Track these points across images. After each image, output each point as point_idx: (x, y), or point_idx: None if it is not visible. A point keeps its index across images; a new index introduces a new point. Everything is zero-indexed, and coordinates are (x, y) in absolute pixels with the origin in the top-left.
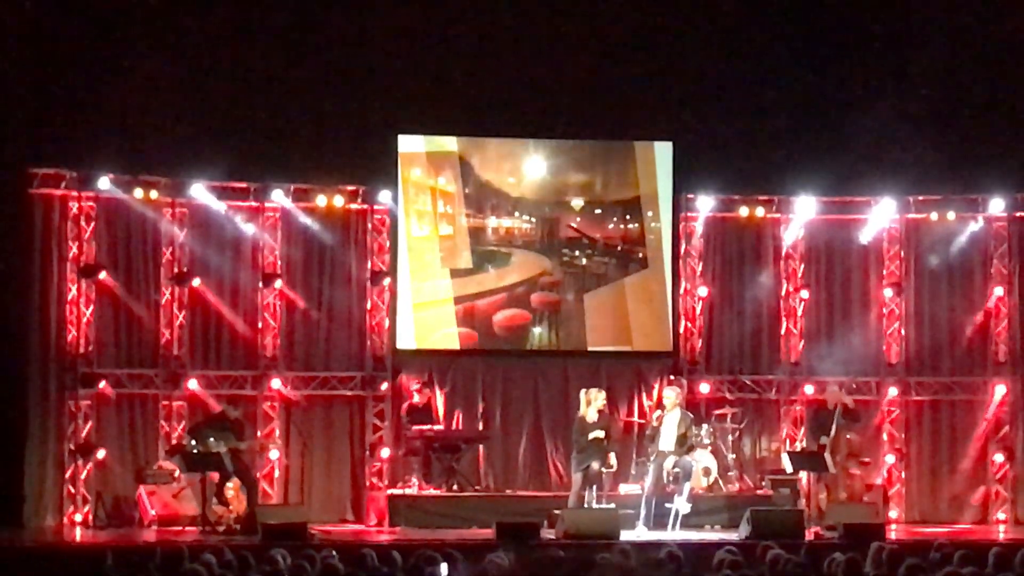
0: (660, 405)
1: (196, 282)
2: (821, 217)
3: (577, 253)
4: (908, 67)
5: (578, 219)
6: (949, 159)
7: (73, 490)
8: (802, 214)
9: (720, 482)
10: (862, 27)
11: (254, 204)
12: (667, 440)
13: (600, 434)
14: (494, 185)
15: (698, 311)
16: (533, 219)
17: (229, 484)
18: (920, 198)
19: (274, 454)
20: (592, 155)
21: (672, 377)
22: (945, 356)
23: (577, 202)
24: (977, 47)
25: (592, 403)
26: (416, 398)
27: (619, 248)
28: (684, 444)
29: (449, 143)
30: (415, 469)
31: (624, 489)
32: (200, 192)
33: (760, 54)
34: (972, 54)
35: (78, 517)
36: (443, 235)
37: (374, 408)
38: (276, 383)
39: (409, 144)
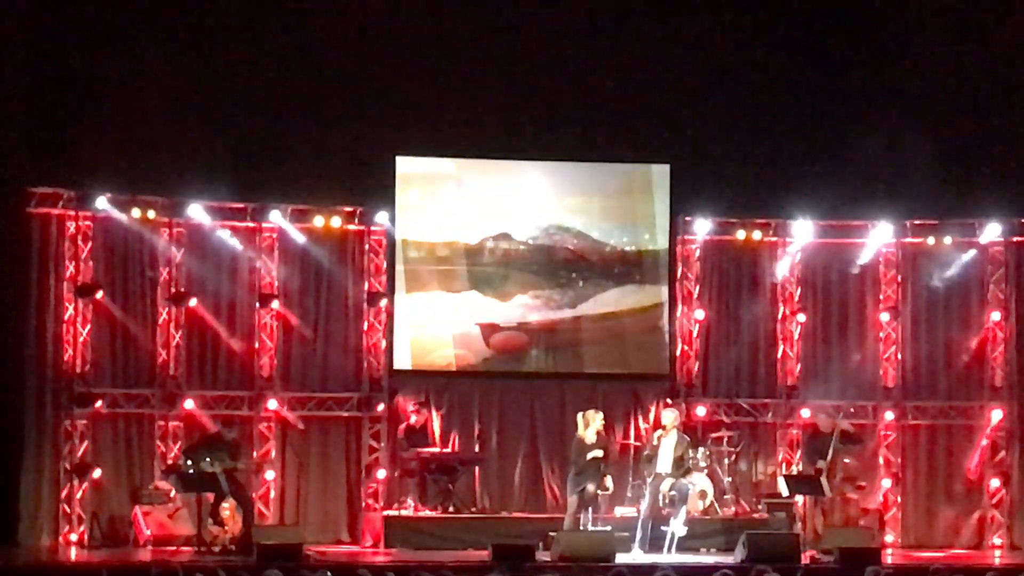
0: (658, 427)
1: (193, 302)
2: (818, 241)
3: (574, 275)
4: (906, 92)
5: (575, 241)
6: (946, 184)
7: (68, 509)
8: (799, 238)
9: (716, 505)
10: (860, 52)
11: (251, 224)
12: (664, 462)
13: (599, 453)
14: (491, 207)
15: (695, 334)
16: (530, 241)
17: (225, 504)
18: (917, 222)
19: (270, 474)
20: (590, 177)
21: (669, 400)
22: (941, 380)
23: (574, 224)
24: (974, 72)
25: (590, 424)
26: (413, 419)
27: (616, 270)
28: (681, 467)
29: (447, 165)
30: (411, 490)
31: (620, 511)
32: (197, 212)
33: (758, 77)
34: (970, 79)
35: (73, 537)
36: (440, 256)
37: (370, 429)
38: (272, 403)
39: (407, 165)
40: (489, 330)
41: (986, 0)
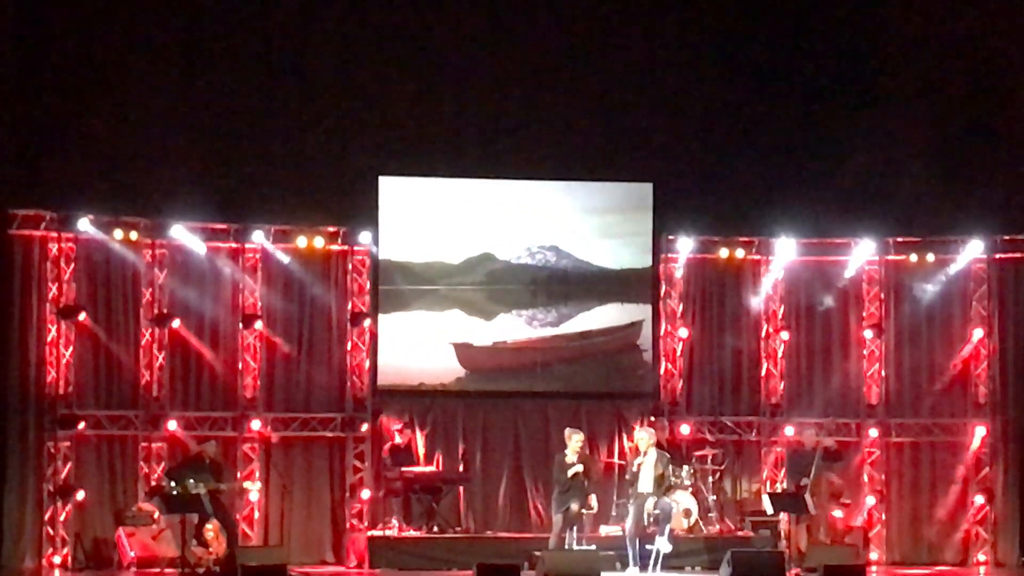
0: (636, 450)
1: (176, 323)
2: (801, 259)
3: (557, 294)
4: (888, 109)
5: (558, 260)
6: (929, 201)
7: (52, 532)
8: (782, 255)
9: (701, 523)
10: (843, 70)
11: (234, 245)
12: (645, 482)
13: (578, 468)
14: (474, 227)
15: (679, 352)
16: (513, 260)
17: (208, 525)
18: (900, 240)
19: (254, 495)
20: (573, 197)
21: (653, 419)
22: (925, 398)
23: (557, 243)
24: (956, 90)
25: (569, 444)
26: (397, 439)
27: (599, 289)
28: (663, 484)
29: (429, 185)
30: (395, 510)
31: (605, 530)
32: (180, 233)
33: (740, 96)
34: (951, 97)
35: (57, 559)
36: (423, 276)
37: (354, 449)
38: (256, 424)
39: (390, 186)
40: (473, 349)
41: (968, 23)
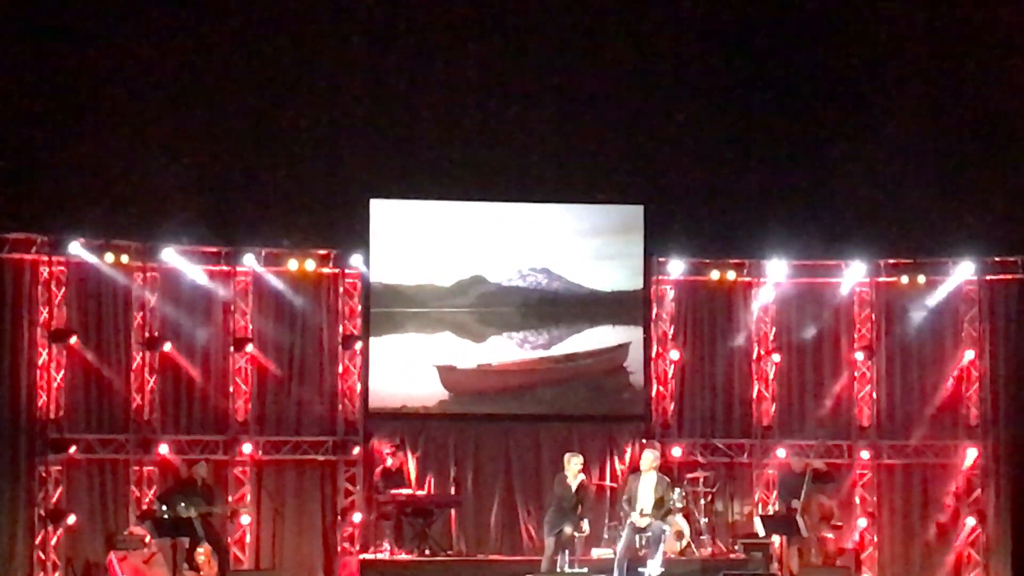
0: (635, 467)
1: (167, 346)
2: (792, 280)
3: (550, 315)
4: (879, 131)
5: (549, 283)
6: (920, 223)
7: (43, 556)
8: (773, 277)
9: (693, 546)
10: (833, 92)
11: (225, 268)
12: (644, 503)
13: (582, 477)
14: (465, 249)
15: (670, 374)
16: (505, 283)
17: (200, 549)
18: (891, 261)
19: (245, 519)
20: (564, 219)
21: (644, 441)
22: (916, 419)
23: (548, 266)
24: (947, 112)
25: (568, 467)
26: (389, 462)
27: (590, 312)
28: (661, 508)
29: (421, 207)
30: (387, 533)
31: (596, 553)
32: (171, 256)
33: (731, 118)
34: (943, 119)
35: None
36: (415, 299)
37: (346, 473)
38: (247, 447)
39: (381, 208)
40: (464, 372)
41: (959, 43)
